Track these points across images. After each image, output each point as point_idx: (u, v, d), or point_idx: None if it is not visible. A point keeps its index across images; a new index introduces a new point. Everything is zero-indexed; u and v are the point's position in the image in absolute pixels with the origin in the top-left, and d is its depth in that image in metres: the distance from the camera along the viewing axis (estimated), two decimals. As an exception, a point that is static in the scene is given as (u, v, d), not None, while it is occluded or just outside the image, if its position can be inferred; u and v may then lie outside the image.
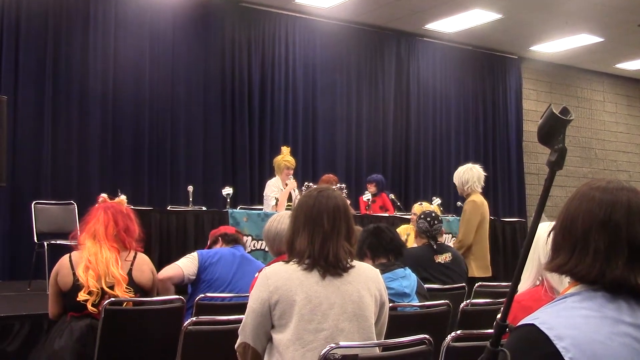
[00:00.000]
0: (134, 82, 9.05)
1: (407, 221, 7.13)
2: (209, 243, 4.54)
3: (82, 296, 3.47)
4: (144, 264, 3.73)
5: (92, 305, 3.48)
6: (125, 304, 3.55)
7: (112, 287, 3.51)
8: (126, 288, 3.55)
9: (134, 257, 3.70)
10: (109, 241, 3.62)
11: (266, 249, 6.73)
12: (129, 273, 3.62)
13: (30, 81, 8.29)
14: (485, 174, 6.16)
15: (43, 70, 8.37)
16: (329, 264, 2.45)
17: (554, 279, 2.48)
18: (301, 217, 2.54)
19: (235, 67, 9.94)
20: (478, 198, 6.00)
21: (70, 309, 3.58)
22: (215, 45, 9.80)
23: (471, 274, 5.65)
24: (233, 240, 4.38)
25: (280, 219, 3.58)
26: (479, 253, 5.93)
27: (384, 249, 3.80)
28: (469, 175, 6.01)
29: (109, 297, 3.48)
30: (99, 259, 3.54)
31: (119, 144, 8.89)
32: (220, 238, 4.42)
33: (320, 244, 2.46)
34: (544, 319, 1.43)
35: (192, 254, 4.15)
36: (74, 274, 3.53)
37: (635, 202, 1.51)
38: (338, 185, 7.36)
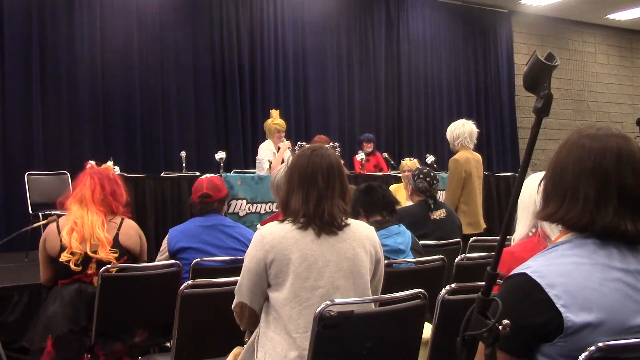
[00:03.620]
0: (123, 48, 8.94)
1: (400, 180, 7.16)
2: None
3: (64, 256, 3.54)
4: (130, 229, 3.76)
5: (75, 264, 3.54)
6: (119, 270, 3.58)
7: (95, 251, 3.57)
8: (110, 250, 3.60)
9: (121, 222, 3.74)
10: (96, 205, 3.66)
11: (261, 211, 6.80)
12: (116, 237, 3.67)
13: (16, 51, 8.18)
14: (478, 130, 6.13)
15: (29, 40, 8.26)
16: (324, 223, 2.45)
17: (549, 226, 2.48)
18: (295, 177, 2.53)
19: (224, 30, 9.83)
20: (462, 155, 5.95)
21: (60, 275, 3.64)
22: (203, 9, 9.68)
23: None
24: (207, 209, 3.97)
25: (281, 170, 3.56)
26: (469, 210, 5.91)
27: (376, 206, 3.82)
28: (460, 130, 6.00)
29: (94, 260, 3.56)
30: (85, 222, 3.60)
31: (110, 111, 8.83)
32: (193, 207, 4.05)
33: (315, 202, 2.47)
34: (536, 267, 1.44)
35: (163, 246, 3.90)
36: (60, 239, 3.59)
37: (625, 148, 1.51)
38: (332, 144, 7.35)
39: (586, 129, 1.57)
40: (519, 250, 2.48)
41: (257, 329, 2.49)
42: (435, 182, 4.87)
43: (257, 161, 7.58)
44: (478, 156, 6.15)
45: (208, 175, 4.18)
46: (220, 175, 6.79)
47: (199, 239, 3.85)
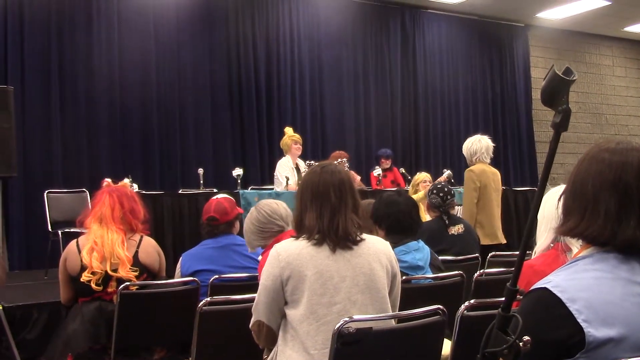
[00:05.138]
0: (141, 65, 9.03)
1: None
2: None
3: (85, 276, 3.54)
4: (149, 246, 3.76)
5: (96, 284, 3.54)
6: (139, 287, 3.59)
7: (116, 270, 3.57)
8: (130, 268, 3.60)
9: (140, 240, 3.74)
10: (116, 224, 3.66)
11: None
12: (135, 254, 3.67)
13: (36, 71, 8.28)
14: (494, 144, 6.21)
15: (49, 59, 8.37)
16: (339, 238, 2.46)
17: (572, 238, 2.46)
18: (308, 194, 2.55)
19: (240, 47, 9.90)
20: (478, 167, 6.03)
21: (80, 294, 3.64)
22: (220, 26, 9.75)
23: None
24: (214, 232, 3.97)
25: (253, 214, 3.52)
26: (485, 221, 5.97)
27: (410, 230, 3.76)
28: (478, 146, 6.07)
29: (114, 279, 3.56)
30: (105, 241, 3.59)
31: (128, 129, 8.90)
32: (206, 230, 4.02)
33: (329, 218, 2.48)
34: (557, 282, 1.42)
35: (177, 271, 3.92)
36: (81, 259, 3.59)
37: (645, 162, 1.49)
38: (340, 159, 7.39)
39: (606, 143, 1.56)
40: (539, 263, 2.46)
41: (275, 348, 2.49)
42: (449, 197, 4.85)
43: (275, 177, 7.62)
44: (495, 170, 6.21)
45: (219, 196, 4.14)
46: (238, 192, 6.84)
47: (212, 261, 3.84)
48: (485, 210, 5.99)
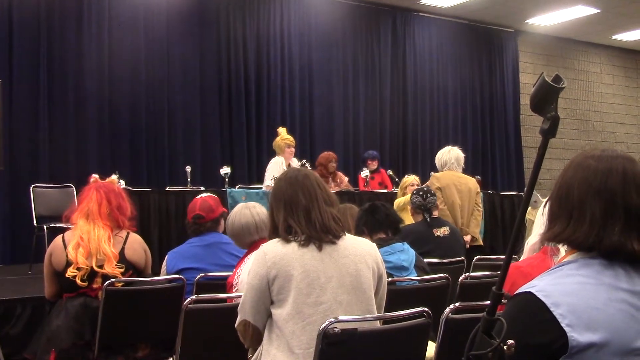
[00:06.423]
0: (130, 62, 9.00)
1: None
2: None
3: (70, 272, 3.53)
4: (135, 243, 3.75)
5: (82, 280, 3.53)
6: (124, 284, 3.58)
7: (101, 266, 3.56)
8: (116, 265, 3.59)
9: (127, 236, 3.73)
10: (103, 220, 3.66)
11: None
12: (122, 251, 3.66)
13: (24, 64, 8.25)
14: (464, 155, 6.42)
15: (37, 53, 8.33)
16: (319, 232, 2.49)
17: None
18: (279, 203, 2.58)
19: (230, 46, 9.90)
20: (441, 173, 6.26)
21: (65, 289, 3.63)
22: (211, 25, 9.74)
23: None
24: (201, 229, 4.01)
25: (239, 211, 3.58)
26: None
27: (380, 225, 3.84)
28: (447, 157, 6.30)
29: (100, 275, 3.55)
30: (91, 236, 3.58)
31: (116, 125, 8.88)
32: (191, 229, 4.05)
33: (305, 217, 2.51)
34: (541, 286, 1.44)
35: (162, 269, 3.96)
36: (66, 254, 3.58)
37: (630, 169, 1.52)
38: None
39: (591, 150, 1.58)
40: (525, 265, 2.49)
41: (260, 347, 2.49)
42: (428, 195, 4.93)
43: (266, 173, 7.59)
44: (464, 176, 6.35)
45: (203, 195, 4.18)
46: (225, 191, 6.83)
47: (198, 259, 3.85)
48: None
